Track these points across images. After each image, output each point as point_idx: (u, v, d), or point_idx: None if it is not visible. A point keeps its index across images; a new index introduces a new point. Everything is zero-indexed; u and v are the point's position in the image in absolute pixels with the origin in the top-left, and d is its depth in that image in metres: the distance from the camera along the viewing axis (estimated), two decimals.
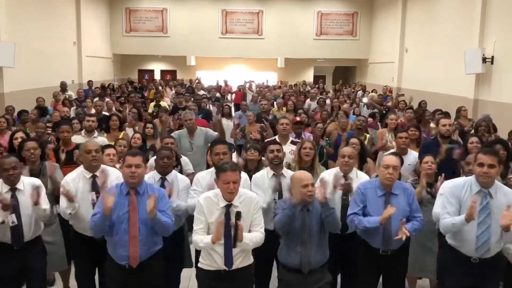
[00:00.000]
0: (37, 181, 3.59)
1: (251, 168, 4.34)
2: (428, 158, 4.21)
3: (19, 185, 3.48)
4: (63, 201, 3.51)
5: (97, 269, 3.76)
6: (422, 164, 4.19)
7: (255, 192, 3.80)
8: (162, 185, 3.78)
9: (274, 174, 3.97)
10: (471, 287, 3.32)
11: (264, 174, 4.01)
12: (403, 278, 3.74)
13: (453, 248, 3.35)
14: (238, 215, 2.99)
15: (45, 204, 3.46)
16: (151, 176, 3.87)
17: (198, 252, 3.47)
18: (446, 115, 7.16)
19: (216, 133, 6.13)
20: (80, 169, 3.68)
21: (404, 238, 3.28)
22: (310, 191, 3.22)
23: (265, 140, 5.59)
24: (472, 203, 3.06)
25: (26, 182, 3.53)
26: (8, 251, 3.47)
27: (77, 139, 5.44)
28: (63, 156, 4.77)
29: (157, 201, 3.16)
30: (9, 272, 3.48)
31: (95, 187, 3.57)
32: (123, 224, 3.13)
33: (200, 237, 3.07)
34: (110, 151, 4.38)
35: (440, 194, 3.67)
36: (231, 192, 3.05)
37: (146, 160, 3.46)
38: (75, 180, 3.58)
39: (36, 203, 3.36)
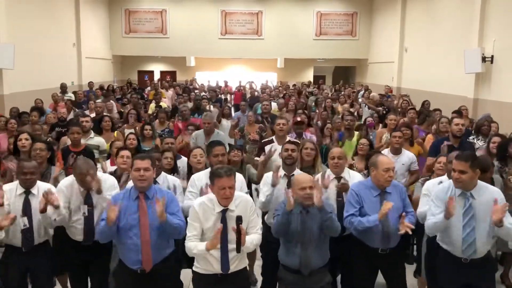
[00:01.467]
0: (52, 189, 3.56)
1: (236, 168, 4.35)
2: (442, 159, 4.24)
3: (33, 190, 3.51)
4: (50, 207, 3.45)
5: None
6: (436, 164, 4.22)
7: (262, 189, 3.86)
8: None
9: (285, 174, 3.93)
10: (465, 286, 3.35)
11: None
12: (404, 276, 3.74)
13: (444, 249, 3.40)
14: (239, 219, 2.95)
15: (52, 213, 3.41)
16: None
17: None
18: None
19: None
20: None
21: (409, 231, 3.32)
22: (308, 194, 3.22)
23: (262, 141, 5.58)
24: (449, 199, 3.13)
25: (41, 187, 3.54)
26: (16, 254, 3.50)
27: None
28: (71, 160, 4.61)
29: (167, 204, 3.15)
30: (16, 274, 3.50)
31: (88, 200, 3.52)
32: (134, 228, 3.12)
33: (193, 244, 3.03)
34: (125, 153, 4.25)
35: (423, 194, 3.77)
36: (227, 198, 3.02)
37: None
38: (68, 187, 3.54)
39: (43, 210, 3.34)
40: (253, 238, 3.11)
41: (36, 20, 12.25)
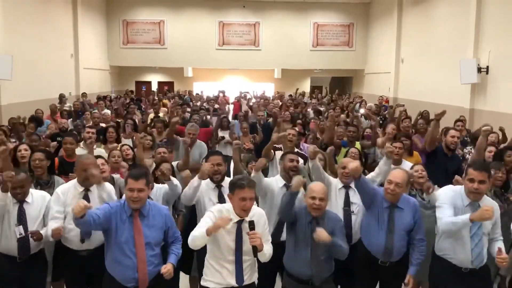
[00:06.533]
0: (47, 196, 3.58)
1: None
2: (418, 167, 4.23)
3: (28, 198, 3.51)
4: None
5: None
6: (414, 173, 4.15)
7: None
8: None
9: (285, 184, 3.94)
10: None
11: (273, 181, 3.99)
12: None
13: (443, 259, 3.39)
14: (251, 224, 2.94)
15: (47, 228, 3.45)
16: None
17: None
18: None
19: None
20: (74, 181, 3.63)
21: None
22: (316, 205, 3.24)
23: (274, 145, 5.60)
24: (489, 208, 3.05)
25: (35, 195, 3.54)
26: (11, 263, 3.47)
27: (77, 150, 5.38)
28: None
29: (164, 221, 3.20)
30: (10, 283, 3.47)
31: (85, 199, 3.46)
32: (129, 246, 3.04)
33: (196, 230, 2.95)
34: (99, 161, 4.23)
35: (438, 206, 3.69)
36: (246, 210, 3.00)
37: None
38: (65, 192, 3.53)
39: (38, 240, 3.41)
40: (268, 248, 3.10)
41: (34, 31, 12.29)
